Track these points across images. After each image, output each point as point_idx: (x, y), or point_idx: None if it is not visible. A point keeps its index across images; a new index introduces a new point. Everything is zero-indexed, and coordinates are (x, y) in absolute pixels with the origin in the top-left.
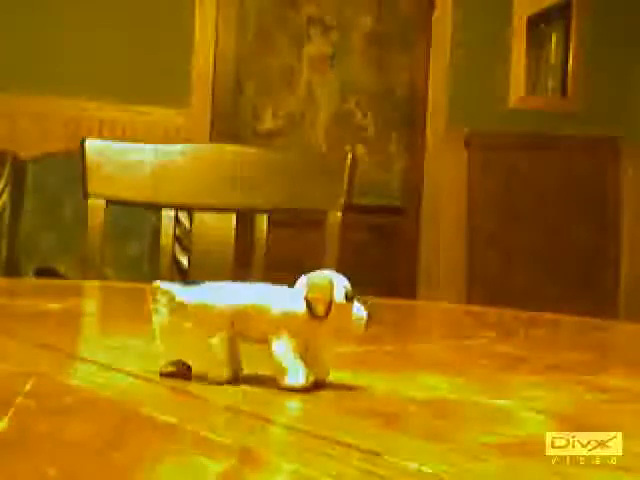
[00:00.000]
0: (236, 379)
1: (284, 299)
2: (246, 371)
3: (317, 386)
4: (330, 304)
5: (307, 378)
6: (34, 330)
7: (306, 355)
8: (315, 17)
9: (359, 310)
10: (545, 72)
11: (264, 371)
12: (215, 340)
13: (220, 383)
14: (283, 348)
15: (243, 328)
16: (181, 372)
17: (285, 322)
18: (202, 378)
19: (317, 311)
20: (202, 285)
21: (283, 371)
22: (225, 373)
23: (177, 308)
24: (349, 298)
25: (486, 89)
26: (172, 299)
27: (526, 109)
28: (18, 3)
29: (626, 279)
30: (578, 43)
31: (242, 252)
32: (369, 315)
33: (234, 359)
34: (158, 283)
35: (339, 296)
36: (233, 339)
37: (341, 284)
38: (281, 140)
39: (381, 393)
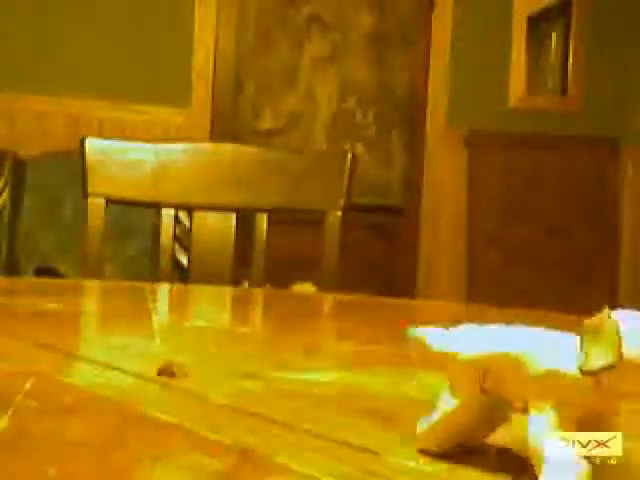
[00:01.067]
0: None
1: (556, 350)
2: (495, 441)
3: None
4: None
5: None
6: (34, 329)
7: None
8: (315, 16)
9: None
10: (545, 71)
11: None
12: (449, 399)
13: (436, 454)
14: (543, 426)
15: (496, 386)
16: (181, 371)
17: (550, 385)
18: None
19: (589, 369)
20: (461, 327)
21: (539, 462)
22: (442, 443)
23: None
24: None
25: (486, 89)
26: (423, 344)
27: (526, 109)
28: (18, 3)
29: (625, 279)
30: (578, 42)
31: (242, 251)
32: None
33: (480, 425)
34: (413, 332)
35: (632, 350)
36: (480, 399)
37: (637, 332)
38: (281, 139)
39: (381, 393)
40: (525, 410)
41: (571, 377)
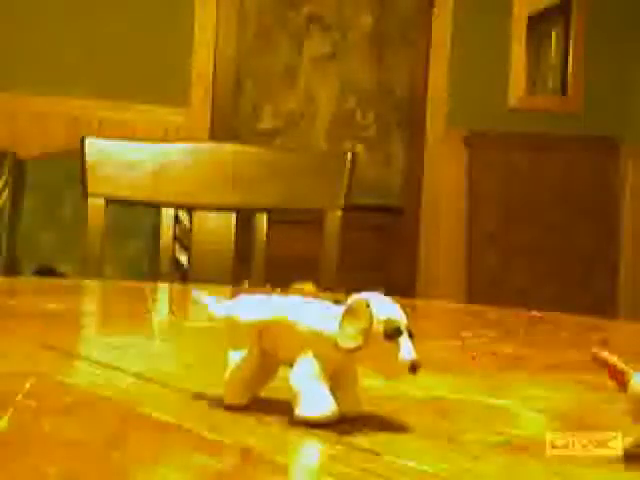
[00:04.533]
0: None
1: (319, 315)
2: (266, 395)
3: (344, 420)
4: (366, 336)
5: (329, 410)
6: (34, 329)
7: (335, 385)
8: (315, 16)
9: (406, 351)
10: (545, 72)
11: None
12: (236, 357)
13: (233, 408)
14: (303, 371)
15: (271, 346)
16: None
17: (313, 342)
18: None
19: (345, 343)
20: (242, 297)
21: (298, 399)
22: (240, 396)
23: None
24: (389, 335)
25: (486, 89)
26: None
27: (526, 109)
28: (18, 3)
29: (625, 279)
30: (578, 42)
31: (242, 251)
32: (416, 360)
33: (257, 381)
34: (199, 294)
35: (377, 329)
36: (260, 357)
37: (384, 314)
38: (281, 139)
39: (381, 393)
40: (292, 364)
41: (329, 337)
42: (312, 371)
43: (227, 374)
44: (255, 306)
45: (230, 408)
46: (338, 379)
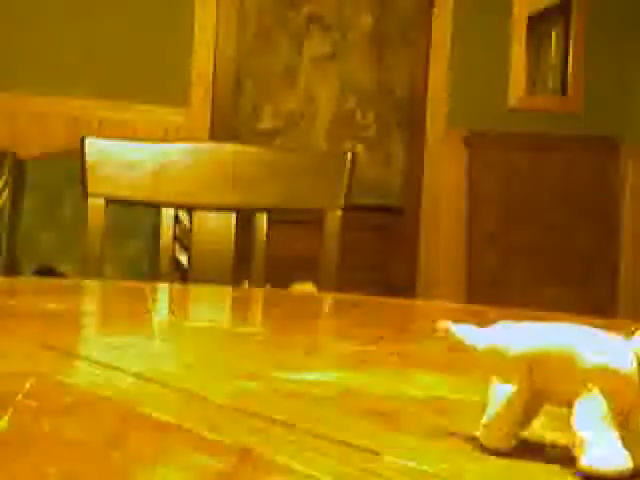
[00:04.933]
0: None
1: (606, 347)
2: (531, 435)
3: (636, 475)
4: None
5: (624, 464)
6: (34, 329)
7: (623, 431)
8: (315, 16)
9: None
10: (545, 72)
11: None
12: (502, 394)
13: (496, 453)
14: (590, 413)
15: (542, 381)
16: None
17: (601, 379)
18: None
19: None
20: (502, 325)
21: (583, 444)
22: (506, 440)
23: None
24: None
25: (486, 89)
26: (464, 343)
27: (526, 109)
28: (18, 3)
29: (625, 279)
30: (578, 42)
31: (242, 251)
32: None
33: (526, 420)
34: (446, 325)
35: None
36: (529, 394)
37: None
38: (281, 139)
39: (381, 393)
40: (569, 403)
41: (620, 372)
42: (600, 414)
43: (491, 413)
44: (523, 335)
45: (496, 453)
46: (622, 425)
